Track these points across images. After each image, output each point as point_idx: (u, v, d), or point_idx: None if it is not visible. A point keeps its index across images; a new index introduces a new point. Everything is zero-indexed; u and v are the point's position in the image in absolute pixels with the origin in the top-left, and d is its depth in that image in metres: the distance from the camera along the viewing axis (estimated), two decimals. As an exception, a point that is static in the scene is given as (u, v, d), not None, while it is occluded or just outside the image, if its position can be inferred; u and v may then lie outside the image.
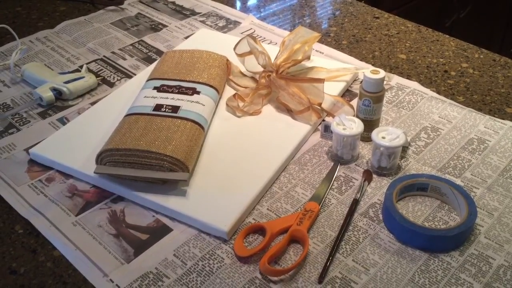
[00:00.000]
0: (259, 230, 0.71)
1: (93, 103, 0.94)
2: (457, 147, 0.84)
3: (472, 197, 0.72)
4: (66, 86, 0.95)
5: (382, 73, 0.80)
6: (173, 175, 0.73)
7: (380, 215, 0.73)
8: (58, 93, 0.95)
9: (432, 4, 2.27)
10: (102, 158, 0.75)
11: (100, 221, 0.72)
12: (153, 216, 0.73)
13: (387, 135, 0.78)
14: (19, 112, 0.93)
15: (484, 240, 0.69)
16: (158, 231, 0.71)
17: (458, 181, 0.78)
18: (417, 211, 0.73)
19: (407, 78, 1.01)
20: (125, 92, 0.94)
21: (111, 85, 1.01)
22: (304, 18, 1.24)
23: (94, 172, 0.74)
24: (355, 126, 0.80)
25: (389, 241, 0.69)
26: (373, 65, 1.04)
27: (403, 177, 0.75)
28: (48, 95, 0.94)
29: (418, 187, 0.75)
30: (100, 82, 1.01)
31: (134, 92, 0.90)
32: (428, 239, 0.67)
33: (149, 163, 0.74)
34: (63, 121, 0.91)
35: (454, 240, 0.67)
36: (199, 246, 0.69)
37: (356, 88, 0.98)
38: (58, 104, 0.95)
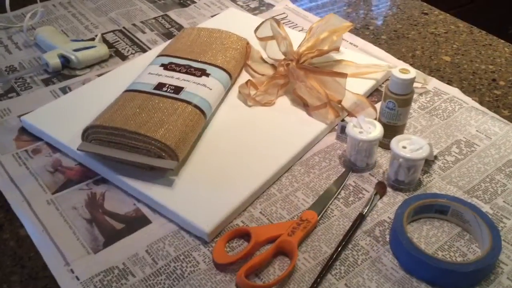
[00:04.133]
0: (245, 235, 0.62)
1: (100, 75, 0.89)
2: (493, 167, 0.72)
3: (499, 228, 0.61)
4: (74, 54, 0.90)
5: (412, 73, 0.70)
6: (160, 162, 0.66)
7: (387, 236, 0.63)
8: (66, 60, 0.90)
9: (494, 9, 2.09)
10: (88, 134, 0.69)
11: (76, 203, 0.66)
12: (134, 204, 0.66)
13: (409, 144, 0.67)
14: (23, 76, 0.89)
15: (506, 282, 0.58)
16: (136, 222, 0.64)
17: (486, 208, 0.66)
18: (432, 236, 0.63)
19: (448, 83, 0.89)
20: (135, 67, 0.87)
21: (124, 58, 0.94)
22: (344, 7, 1.13)
23: (77, 149, 0.68)
24: (374, 131, 0.70)
25: (392, 267, 0.59)
26: (411, 65, 0.93)
27: (420, 195, 0.65)
28: (54, 61, 0.89)
29: (437, 209, 0.64)
30: (113, 54, 0.95)
31: (144, 67, 0.84)
32: (438, 272, 0.57)
33: (136, 145, 0.67)
34: (66, 90, 0.86)
35: (469, 277, 0.57)
36: (175, 244, 0.61)
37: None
38: (65, 73, 0.90)
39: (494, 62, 0.95)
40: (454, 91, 0.87)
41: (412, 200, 0.64)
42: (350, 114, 0.79)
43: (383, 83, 0.89)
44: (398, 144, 0.67)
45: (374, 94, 0.86)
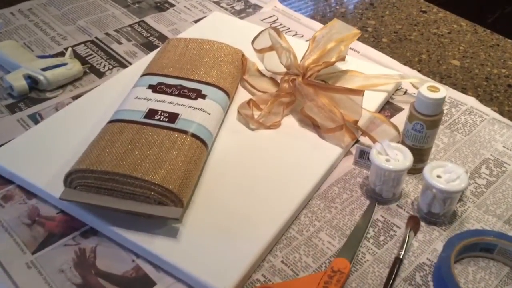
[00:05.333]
0: (270, 293, 0.53)
1: (75, 97, 0.77)
2: (529, 190, 0.66)
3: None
4: (43, 73, 0.77)
5: (442, 92, 0.62)
6: (162, 210, 0.56)
7: (430, 283, 0.55)
8: (33, 81, 0.78)
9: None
10: (72, 180, 0.57)
11: (63, 264, 0.55)
12: (133, 261, 0.56)
13: (444, 173, 0.60)
14: (-17, 103, 0.76)
15: None
16: (137, 284, 0.54)
17: (533, 241, 0.60)
18: (480, 281, 0.55)
19: (462, 92, 0.82)
20: (117, 86, 0.76)
21: (101, 75, 0.83)
22: (337, 7, 1.04)
23: (60, 198, 0.57)
24: (402, 158, 0.62)
25: (442, 323, 0.52)
26: (419, 71, 0.85)
27: (464, 233, 0.57)
28: (20, 83, 0.76)
29: (482, 247, 0.57)
30: (87, 71, 0.83)
31: (127, 86, 0.72)
32: (497, 327, 0.49)
33: (131, 191, 0.56)
34: (36, 118, 0.74)
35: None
36: (188, 311, 0.52)
37: (398, 100, 0.79)
38: (33, 96, 0.78)
39: (506, 65, 0.89)
40: (470, 101, 0.80)
41: (455, 240, 0.56)
42: (364, 133, 0.71)
43: (393, 94, 0.81)
44: (432, 172, 0.60)
45: (385, 107, 0.78)
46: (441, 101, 0.61)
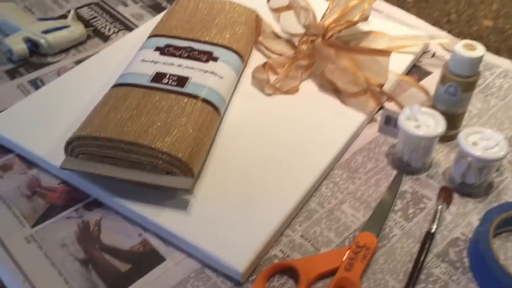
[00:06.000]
0: (289, 270, 0.49)
1: (79, 62, 0.72)
2: None
3: None
4: (44, 36, 0.72)
5: (480, 50, 0.56)
6: (170, 180, 0.51)
7: (466, 259, 0.50)
8: (34, 45, 0.73)
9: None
10: (73, 148, 0.53)
11: (65, 238, 0.51)
12: (140, 235, 0.52)
13: (481, 140, 0.54)
14: (-18, 68, 0.72)
15: None
16: (145, 260, 0.50)
17: None
18: (521, 257, 0.50)
19: (496, 54, 0.75)
20: (122, 50, 0.71)
21: (105, 38, 0.78)
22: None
23: (61, 167, 0.53)
24: (434, 124, 0.56)
25: (480, 303, 0.47)
26: (449, 32, 0.79)
27: (502, 206, 0.52)
28: (19, 47, 0.72)
29: (522, 220, 0.52)
30: (91, 34, 0.78)
31: (134, 50, 0.67)
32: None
33: (137, 160, 0.52)
34: (37, 84, 0.69)
35: None
36: (200, 289, 0.48)
37: (426, 63, 0.73)
38: (34, 60, 0.73)
39: (543, 25, 0.82)
40: (505, 63, 0.73)
41: (494, 213, 0.51)
42: (391, 98, 0.65)
43: (420, 57, 0.74)
44: (468, 139, 0.54)
45: (412, 71, 0.72)
46: (479, 60, 0.55)
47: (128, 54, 0.67)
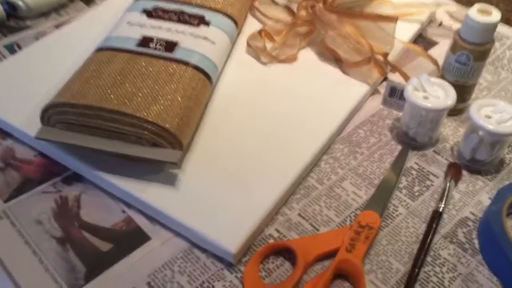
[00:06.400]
0: (284, 251, 0.45)
1: (59, 26, 0.67)
2: None
3: None
4: (22, -2, 0.67)
5: (495, 15, 0.51)
6: (156, 153, 0.47)
7: (475, 241, 0.46)
8: (11, 7, 0.67)
9: None
10: (50, 116, 0.48)
11: (41, 214, 0.47)
12: (123, 212, 0.48)
13: (494, 113, 0.50)
14: (-46, 31, 0.66)
15: None
16: (128, 239, 0.46)
17: None
18: (535, 239, 0.47)
19: (506, 24, 0.71)
20: (107, 14, 0.65)
21: (89, 2, 0.72)
22: None
23: (36, 137, 0.48)
24: (444, 95, 0.52)
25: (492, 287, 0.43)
26: (457, 1, 0.74)
27: (517, 183, 0.48)
28: (-5, 9, 0.66)
29: (536, 200, 0.48)
30: (74, -3, 0.72)
31: (119, 15, 0.62)
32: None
33: (121, 130, 0.47)
34: (13, 49, 0.64)
35: None
36: (188, 271, 0.43)
37: (432, 33, 0.69)
38: (11, 24, 0.68)
39: (555, -4, 0.77)
40: (515, 35, 0.69)
41: (507, 191, 0.47)
42: (395, 69, 0.60)
43: (426, 26, 0.70)
44: (480, 111, 0.50)
45: (417, 41, 0.68)
46: (494, 26, 0.51)
47: (113, 18, 0.62)
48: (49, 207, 0.47)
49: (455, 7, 0.68)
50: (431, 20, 0.70)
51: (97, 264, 0.44)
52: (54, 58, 0.60)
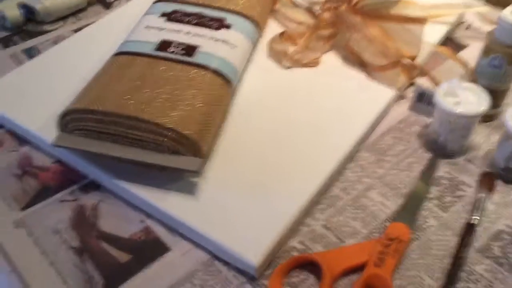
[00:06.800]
0: (310, 265, 0.43)
1: (78, 30, 0.66)
2: None
3: None
4: (41, 2, 0.66)
5: (532, 16, 0.49)
6: (177, 161, 0.45)
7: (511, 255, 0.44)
8: (29, 11, 0.67)
9: None
10: (67, 122, 0.47)
11: (58, 223, 0.46)
12: (142, 221, 0.46)
13: (530, 120, 0.47)
14: (-27, 36, 0.66)
15: None
16: (147, 249, 0.44)
17: None
18: None
19: (538, 26, 0.68)
20: (126, 18, 0.64)
21: (108, 5, 0.71)
22: None
23: (53, 144, 0.47)
24: (477, 100, 0.49)
25: (530, 307, 0.41)
26: (487, 2, 0.71)
27: (556, 195, 0.45)
28: (13, 13, 0.66)
29: None
30: (92, 0, 0.72)
31: (138, 19, 0.61)
32: None
33: (139, 137, 0.46)
34: (32, 53, 0.63)
35: None
36: (209, 284, 0.42)
37: (461, 36, 0.66)
38: (29, 28, 0.67)
39: None
40: (549, 37, 0.66)
41: (546, 202, 0.44)
42: (424, 73, 0.58)
43: (455, 29, 0.67)
44: (515, 118, 0.47)
45: (446, 44, 0.65)
46: (530, 28, 0.48)
47: (132, 22, 0.61)
48: (66, 216, 0.46)
49: (485, 9, 0.66)
50: (459, 22, 0.68)
51: (115, 275, 0.42)
52: (73, 62, 0.59)
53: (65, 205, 0.47)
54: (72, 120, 0.47)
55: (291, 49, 0.60)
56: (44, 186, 0.49)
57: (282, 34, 0.60)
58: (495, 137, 0.53)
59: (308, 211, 0.47)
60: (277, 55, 0.60)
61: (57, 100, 0.52)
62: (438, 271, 0.43)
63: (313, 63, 0.59)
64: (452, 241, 0.45)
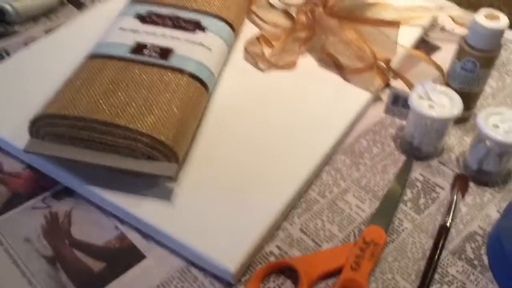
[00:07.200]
0: (287, 270, 0.43)
1: (49, 31, 0.64)
2: None
3: None
4: (10, 2, 0.64)
5: (503, 20, 0.50)
6: (151, 167, 0.45)
7: (485, 257, 0.45)
8: (-1, 12, 0.65)
9: None
10: (38, 127, 0.46)
11: (30, 231, 0.45)
12: (116, 227, 0.45)
13: (502, 122, 0.48)
14: None
15: None
16: (122, 257, 0.43)
17: None
18: (546, 255, 0.45)
19: (510, 28, 0.69)
20: (99, 19, 0.63)
21: (80, 6, 0.70)
22: None
23: (24, 150, 0.46)
24: (449, 104, 0.50)
25: (502, 307, 0.42)
26: (459, 5, 0.72)
27: (527, 196, 0.46)
28: (-18, 14, 0.64)
29: (548, 214, 0.46)
30: (64, 1, 0.70)
31: (111, 19, 0.60)
32: None
33: (113, 143, 0.45)
34: (1, 55, 0.61)
35: None
36: (185, 292, 0.41)
37: (434, 38, 0.67)
38: (-1, 29, 0.65)
39: (558, -1, 0.76)
40: (520, 39, 0.67)
41: (517, 204, 0.45)
42: (397, 75, 0.59)
43: (428, 31, 0.68)
44: (488, 120, 0.48)
45: (419, 46, 0.66)
46: (501, 32, 0.49)
47: (105, 23, 0.59)
48: (38, 224, 0.45)
49: (457, 11, 0.67)
50: (432, 24, 0.68)
51: (89, 285, 0.41)
52: (44, 65, 0.58)
53: (37, 213, 0.46)
54: (44, 125, 0.45)
55: (267, 51, 0.59)
56: (15, 193, 0.47)
57: (258, 36, 0.60)
58: (468, 140, 0.54)
59: (285, 215, 0.46)
60: (253, 58, 0.59)
61: (28, 105, 0.50)
62: (413, 273, 0.43)
63: (290, 66, 0.59)
64: (426, 243, 0.45)
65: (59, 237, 0.44)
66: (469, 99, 0.54)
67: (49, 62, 0.58)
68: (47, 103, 0.47)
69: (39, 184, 0.48)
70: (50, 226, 0.45)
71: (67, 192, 0.48)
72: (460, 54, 0.51)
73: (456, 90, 0.52)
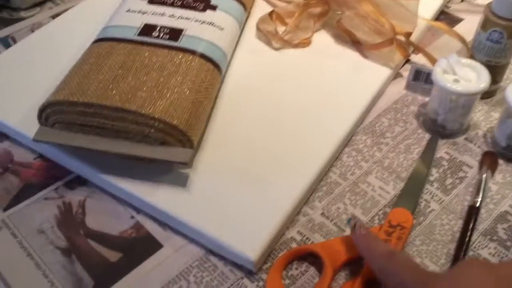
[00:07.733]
0: (310, 256, 0.41)
1: (55, 16, 0.62)
2: None
3: None
4: (14, -12, 0.63)
5: (532, -14, 0.47)
6: (165, 152, 0.43)
7: (517, 238, 0.43)
8: (3, -2, 0.63)
9: None
10: (47, 115, 0.44)
11: (43, 222, 0.43)
12: (132, 217, 0.44)
13: (533, 96, 0.45)
14: None
15: None
16: (139, 247, 0.42)
17: None
18: None
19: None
20: (105, 2, 0.61)
21: (86, -11, 0.68)
22: None
23: (34, 139, 0.44)
24: (476, 78, 0.47)
25: (538, 290, 0.39)
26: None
27: (561, 173, 0.44)
28: (-14, 1, 0.62)
29: None
30: (70, -15, 0.68)
31: (118, 1, 0.58)
32: None
33: (125, 129, 0.43)
34: (8, 42, 0.60)
35: None
36: (205, 281, 0.40)
37: (455, 9, 0.64)
38: (4, 15, 0.64)
39: None
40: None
41: (551, 182, 0.43)
42: (419, 50, 0.56)
43: (448, 2, 0.65)
44: (517, 94, 0.45)
45: (440, 18, 0.63)
46: (530, -1, 0.46)
47: (112, 6, 0.57)
48: (52, 215, 0.44)
49: (480, -20, 0.64)
50: (453, -4, 0.65)
51: (105, 276, 0.40)
52: (52, 51, 0.56)
53: (50, 203, 0.45)
54: (53, 113, 0.44)
55: (280, 29, 0.57)
56: (27, 184, 0.46)
57: (271, 13, 0.58)
58: (495, 115, 0.51)
59: (305, 199, 0.45)
60: (267, 36, 0.57)
61: (36, 92, 0.49)
62: (443, 257, 0.41)
63: (304, 43, 0.57)
64: (455, 225, 0.43)
65: (74, 227, 0.43)
66: (496, 72, 0.51)
67: (57, 47, 0.56)
68: (56, 90, 0.45)
69: (51, 174, 0.47)
70: (64, 217, 0.44)
71: (80, 181, 0.46)
72: (486, 24, 0.49)
73: (482, 63, 0.49)
